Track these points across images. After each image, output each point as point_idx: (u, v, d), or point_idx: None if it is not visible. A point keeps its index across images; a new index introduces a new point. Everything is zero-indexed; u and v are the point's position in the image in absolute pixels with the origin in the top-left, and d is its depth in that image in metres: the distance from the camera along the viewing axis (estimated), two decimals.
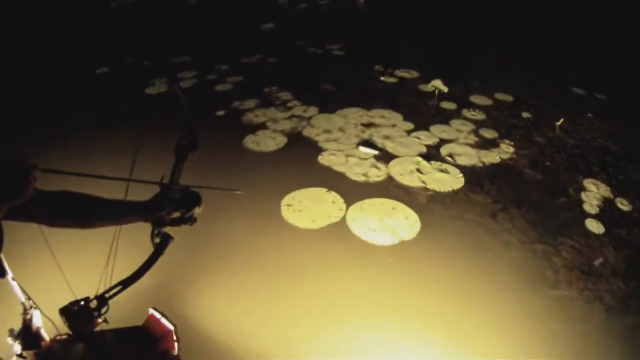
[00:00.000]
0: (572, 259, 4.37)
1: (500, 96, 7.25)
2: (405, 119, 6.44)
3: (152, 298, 3.20)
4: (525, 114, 6.80)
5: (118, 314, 2.09)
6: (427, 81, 7.52)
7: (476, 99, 7.13)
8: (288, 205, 4.84)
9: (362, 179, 5.27)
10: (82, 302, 1.75)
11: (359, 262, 4.25)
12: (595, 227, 4.80)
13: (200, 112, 5.56)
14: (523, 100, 7.20)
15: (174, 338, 2.48)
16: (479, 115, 6.62)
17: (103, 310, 1.80)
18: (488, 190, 5.18)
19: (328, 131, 6.09)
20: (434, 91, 7.26)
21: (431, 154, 5.77)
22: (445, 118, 6.55)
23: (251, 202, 4.77)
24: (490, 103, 7.06)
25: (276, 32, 10.14)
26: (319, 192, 5.03)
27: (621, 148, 6.23)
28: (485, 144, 6.01)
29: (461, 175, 5.40)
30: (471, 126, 6.36)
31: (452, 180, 5.31)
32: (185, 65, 8.26)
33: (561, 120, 6.59)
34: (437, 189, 5.18)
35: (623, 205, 5.17)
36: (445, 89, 7.20)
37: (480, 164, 5.63)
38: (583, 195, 5.23)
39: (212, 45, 9.37)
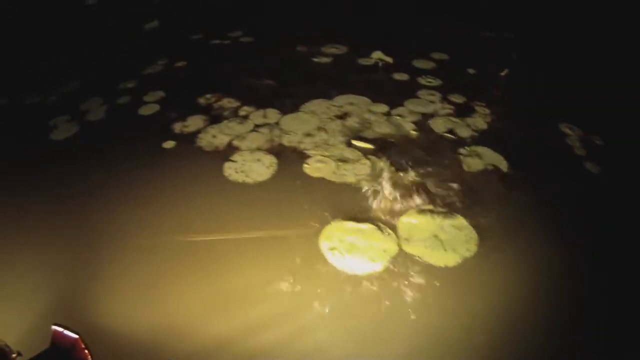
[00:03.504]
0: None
1: (437, 55, 6.48)
2: (374, 100, 5.42)
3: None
4: (470, 70, 6.16)
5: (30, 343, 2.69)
6: (364, 54, 6.49)
7: (419, 63, 6.28)
8: (332, 249, 3.63)
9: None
10: None
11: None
12: (592, 167, 4.58)
13: (143, 151, 4.83)
14: (458, 56, 6.51)
15: (83, 346, 2.58)
16: (435, 81, 5.83)
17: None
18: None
19: (309, 134, 4.90)
20: (376, 63, 6.29)
21: (427, 135, 4.93)
22: (408, 90, 5.65)
23: (281, 253, 3.69)
24: (434, 65, 6.25)
25: (164, 30, 8.20)
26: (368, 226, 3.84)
27: (557, 80, 6.02)
28: (462, 111, 5.30)
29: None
30: (438, 94, 5.55)
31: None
32: (82, 92, 6.23)
33: (505, 70, 6.09)
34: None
35: (598, 141, 4.95)
36: (390, 60, 6.28)
37: (476, 134, 4.93)
38: (568, 141, 4.91)
39: (100, 60, 7.26)
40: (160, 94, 5.92)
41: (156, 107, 5.66)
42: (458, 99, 5.47)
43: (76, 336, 2.63)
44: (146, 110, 5.63)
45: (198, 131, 5.09)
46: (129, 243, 3.88)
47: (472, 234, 3.72)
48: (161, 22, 8.23)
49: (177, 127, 5.21)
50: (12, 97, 6.39)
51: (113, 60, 7.14)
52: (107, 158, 4.91)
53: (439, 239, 3.68)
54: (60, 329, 2.65)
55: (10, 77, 6.93)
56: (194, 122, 5.23)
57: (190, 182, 4.44)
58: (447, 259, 3.54)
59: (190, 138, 5.02)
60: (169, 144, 4.95)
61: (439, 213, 3.90)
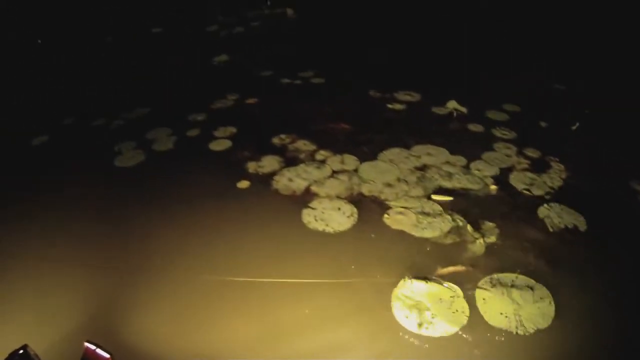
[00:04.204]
0: None
1: (508, 107, 6.33)
2: (451, 151, 5.31)
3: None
4: (542, 123, 6.00)
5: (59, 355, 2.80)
6: (437, 102, 6.39)
7: (492, 114, 6.15)
8: (420, 325, 3.37)
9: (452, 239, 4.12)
10: (21, 351, 2.09)
11: None
12: None
13: (215, 187, 4.80)
14: (529, 108, 6.35)
15: None
16: (509, 134, 5.70)
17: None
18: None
19: (389, 185, 4.81)
20: (451, 113, 6.21)
21: (506, 191, 4.78)
22: (484, 142, 5.52)
23: (347, 302, 3.55)
24: (507, 117, 6.11)
25: (234, 64, 8.23)
26: (436, 286, 3.64)
27: (627, 134, 5.77)
28: (538, 166, 5.12)
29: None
30: (513, 148, 5.42)
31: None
32: (149, 120, 6.27)
33: (576, 124, 5.94)
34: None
35: None
36: (464, 110, 6.19)
37: (553, 190, 4.75)
38: None
39: (167, 89, 7.33)
40: (231, 129, 5.89)
41: (228, 143, 5.62)
42: (533, 153, 5.32)
43: (108, 356, 2.58)
44: (217, 146, 5.59)
45: (273, 173, 5.02)
46: (183, 275, 3.83)
47: (550, 302, 3.51)
48: (230, 56, 8.27)
49: (251, 166, 5.15)
50: (77, 116, 6.45)
51: (181, 90, 7.16)
52: (174, 190, 4.88)
53: (517, 305, 3.49)
54: (92, 347, 2.60)
55: (77, 97, 7.01)
56: (269, 163, 5.18)
57: (264, 224, 4.35)
58: (522, 328, 3.34)
59: (265, 179, 4.95)
60: (244, 184, 4.88)
61: (517, 278, 3.71)
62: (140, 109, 6.59)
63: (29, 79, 7.94)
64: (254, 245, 4.09)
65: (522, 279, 3.68)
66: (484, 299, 3.51)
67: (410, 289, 3.59)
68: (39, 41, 9.05)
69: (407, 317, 3.41)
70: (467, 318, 3.38)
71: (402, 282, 3.65)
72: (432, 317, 3.39)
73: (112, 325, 3.42)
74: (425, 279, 3.68)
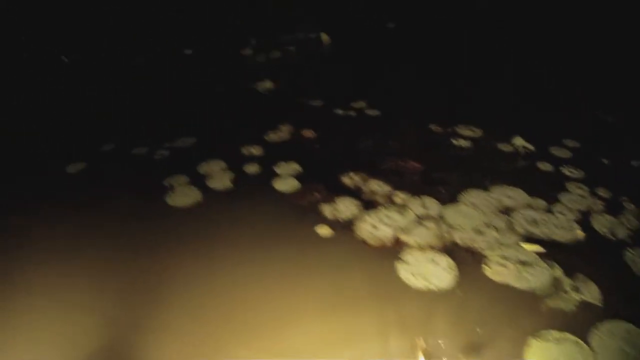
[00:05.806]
0: None
1: (570, 143, 6.20)
2: (529, 193, 5.13)
3: None
4: (604, 160, 5.90)
5: None
6: (500, 139, 6.24)
7: (556, 151, 6.01)
8: None
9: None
10: None
11: None
12: None
13: (291, 234, 4.49)
14: (590, 143, 6.20)
15: None
16: (577, 172, 5.58)
17: None
18: None
19: (479, 232, 4.66)
20: (519, 151, 6.09)
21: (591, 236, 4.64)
22: (557, 183, 5.36)
23: None
24: (570, 154, 5.97)
25: (279, 92, 7.95)
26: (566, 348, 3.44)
27: None
28: (612, 207, 4.98)
29: None
30: (585, 188, 5.29)
31: None
32: (198, 152, 5.94)
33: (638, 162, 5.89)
34: None
35: None
36: (532, 147, 6.08)
37: (631, 233, 4.62)
38: None
39: (213, 117, 7.04)
40: (294, 166, 5.61)
41: (294, 182, 5.33)
42: (604, 193, 5.18)
43: None
44: (283, 185, 5.29)
45: (354, 218, 4.76)
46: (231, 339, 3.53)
47: None
48: (274, 83, 8.02)
49: (327, 210, 4.87)
50: (117, 143, 6.16)
51: (227, 118, 6.89)
52: (242, 236, 4.54)
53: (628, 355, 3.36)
54: None
55: (112, 121, 6.70)
56: (347, 207, 4.90)
57: (360, 285, 3.97)
58: None
59: (346, 226, 4.65)
60: (324, 231, 4.59)
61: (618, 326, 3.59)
62: (185, 138, 6.29)
63: (55, 99, 7.57)
64: (357, 314, 3.73)
65: (623, 327, 3.56)
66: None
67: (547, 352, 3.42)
68: (65, 59, 8.65)
69: None
70: None
71: (535, 343, 3.48)
72: None
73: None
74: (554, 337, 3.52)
